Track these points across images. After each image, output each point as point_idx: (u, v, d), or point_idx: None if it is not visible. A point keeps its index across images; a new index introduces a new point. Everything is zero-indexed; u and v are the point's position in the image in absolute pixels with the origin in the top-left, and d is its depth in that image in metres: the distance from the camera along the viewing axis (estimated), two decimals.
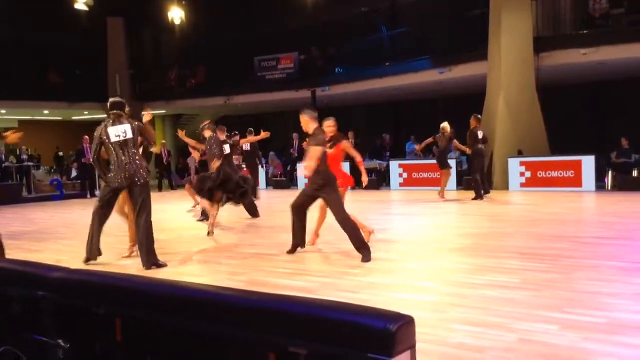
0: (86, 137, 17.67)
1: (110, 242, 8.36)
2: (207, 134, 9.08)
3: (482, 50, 15.41)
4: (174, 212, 12.69)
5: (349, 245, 7.20)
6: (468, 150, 12.79)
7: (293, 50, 21.42)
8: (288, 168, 20.11)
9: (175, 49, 25.16)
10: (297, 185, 18.67)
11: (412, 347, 1.10)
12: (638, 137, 14.57)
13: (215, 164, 8.70)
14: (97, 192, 18.37)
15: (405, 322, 1.10)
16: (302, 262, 6.26)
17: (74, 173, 20.64)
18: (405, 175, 16.61)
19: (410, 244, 7.23)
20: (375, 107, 23.37)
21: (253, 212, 10.64)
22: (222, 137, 10.64)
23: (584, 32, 14.97)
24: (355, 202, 14.02)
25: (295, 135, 19.69)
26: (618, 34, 14.05)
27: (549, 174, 14.07)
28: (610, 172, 14.19)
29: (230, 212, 11.80)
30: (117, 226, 7.98)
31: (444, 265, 5.87)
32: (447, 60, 16.77)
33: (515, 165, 14.45)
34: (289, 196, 15.82)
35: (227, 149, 10.05)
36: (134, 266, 6.35)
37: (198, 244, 8.15)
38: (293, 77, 21.24)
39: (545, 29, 15.49)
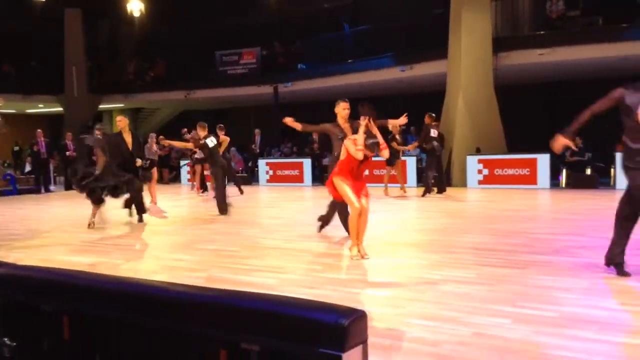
0: (39, 130, 17.19)
1: (65, 237, 8.17)
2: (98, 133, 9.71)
3: (443, 49, 15.61)
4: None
5: (309, 242, 7.23)
6: (409, 148, 13.32)
7: (255, 45, 21.30)
8: (249, 164, 19.99)
9: (134, 41, 24.68)
10: (258, 181, 18.59)
11: (364, 341, 1.10)
12: (591, 136, 15.01)
13: (100, 161, 9.08)
14: (52, 187, 17.94)
15: (358, 317, 1.10)
16: (262, 259, 6.24)
17: (28, 167, 20.08)
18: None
19: (369, 241, 7.26)
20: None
21: (138, 209, 9.72)
22: (203, 134, 10.68)
23: (541, 33, 15.32)
24: (314, 199, 14.06)
25: (257, 131, 19.58)
26: (573, 35, 14.42)
27: (505, 171, 14.36)
28: (564, 170, 14.58)
29: (189, 209, 11.68)
30: (75, 222, 7.81)
31: (402, 261, 5.93)
32: (408, 59, 16.94)
33: (473, 163, 14.71)
34: (251, 192, 15.83)
35: (214, 140, 10.43)
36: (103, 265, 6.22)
37: (156, 241, 8.04)
38: (255, 72, 21.12)
39: (504, 30, 15.79)
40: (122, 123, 9.58)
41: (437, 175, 12.98)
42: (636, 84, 4.68)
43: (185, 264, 6.09)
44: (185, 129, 15.60)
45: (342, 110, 7.13)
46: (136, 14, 20.10)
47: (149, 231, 8.78)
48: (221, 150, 11.45)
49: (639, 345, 3.29)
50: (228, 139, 12.31)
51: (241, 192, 14.43)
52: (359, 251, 6.04)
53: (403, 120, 7.63)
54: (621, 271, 4.92)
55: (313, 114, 23.35)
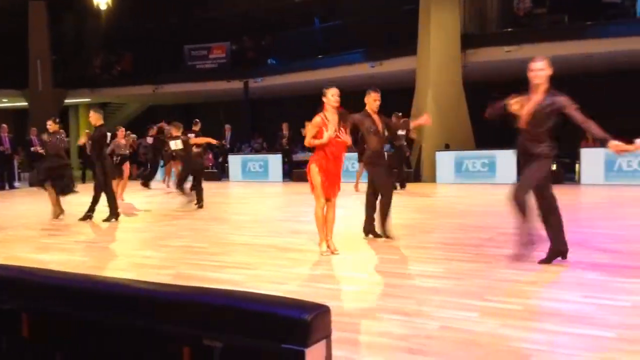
0: (4, 125, 16.75)
1: (29, 235, 7.99)
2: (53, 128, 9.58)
3: (412, 46, 15.71)
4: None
5: (278, 238, 7.21)
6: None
7: (225, 39, 21.11)
8: (220, 159, 19.82)
9: (101, 35, 24.20)
10: (228, 177, 18.47)
11: (327, 336, 1.10)
12: (557, 133, 15.30)
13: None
14: (16, 184, 17.51)
15: (321, 312, 1.09)
16: (230, 255, 6.19)
17: None
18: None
19: (339, 236, 7.28)
20: (309, 99, 23.37)
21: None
22: (177, 133, 10.64)
23: (509, 30, 15.54)
24: (284, 195, 14.05)
25: (227, 126, 19.42)
26: (540, 32, 14.67)
27: (474, 167, 14.55)
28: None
29: (158, 205, 11.54)
30: (40, 219, 7.64)
31: (372, 256, 5.96)
32: (378, 55, 17.00)
33: (442, 159, 14.86)
34: (221, 188, 15.72)
35: (178, 144, 10.34)
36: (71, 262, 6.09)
37: (123, 238, 7.92)
38: (225, 67, 20.94)
39: (472, 27, 15.97)
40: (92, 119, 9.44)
41: (397, 171, 13.08)
42: None
43: (152, 261, 6.01)
44: (157, 125, 15.28)
45: (372, 101, 6.58)
46: (102, 6, 19.70)
47: (117, 228, 8.64)
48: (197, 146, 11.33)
49: (600, 336, 3.36)
50: (204, 139, 12.02)
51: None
52: (328, 247, 5.98)
53: (426, 120, 7.51)
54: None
55: (282, 109, 23.39)
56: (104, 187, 8.96)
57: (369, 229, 6.87)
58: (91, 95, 23.28)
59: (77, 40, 25.53)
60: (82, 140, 15.29)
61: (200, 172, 10.93)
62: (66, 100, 23.82)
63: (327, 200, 5.89)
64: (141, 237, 7.77)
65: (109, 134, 10.01)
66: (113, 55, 23.56)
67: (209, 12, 22.33)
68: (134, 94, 23.05)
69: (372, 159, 6.71)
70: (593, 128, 4.94)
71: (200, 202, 10.60)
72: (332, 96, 5.80)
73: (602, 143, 4.96)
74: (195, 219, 9.37)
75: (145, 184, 15.00)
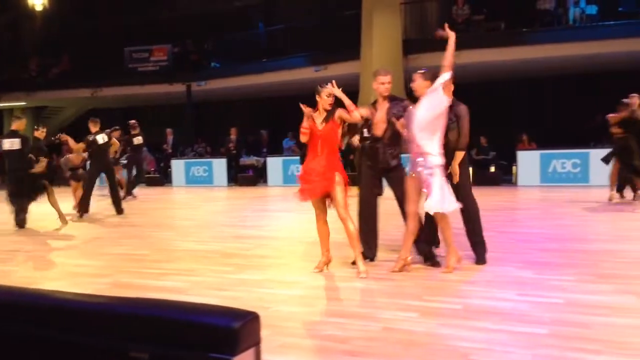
0: None
1: None
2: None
3: (356, 50, 15.88)
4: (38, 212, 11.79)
5: (223, 243, 7.12)
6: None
7: (166, 42, 20.76)
8: (162, 164, 19.46)
9: (37, 36, 23.36)
10: (171, 182, 18.16)
11: (256, 344, 1.08)
12: (495, 136, 15.77)
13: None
14: None
15: (250, 319, 1.08)
16: (172, 262, 6.07)
17: None
18: (282, 172, 16.72)
19: (284, 240, 7.29)
20: (254, 103, 23.29)
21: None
22: (96, 129, 10.36)
23: None
24: (229, 200, 13.92)
25: (169, 130, 19.04)
26: (478, 39, 15.10)
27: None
28: (470, 168, 15.24)
29: (97, 212, 11.21)
30: None
31: (315, 260, 5.96)
32: (322, 59, 17.09)
33: None
34: (163, 193, 15.43)
35: (105, 138, 10.27)
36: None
37: (58, 246, 7.64)
38: (167, 70, 20.58)
39: (414, 32, 16.28)
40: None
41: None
42: None
43: (89, 270, 5.82)
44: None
45: (379, 85, 5.52)
46: (38, 7, 19.04)
47: (50, 236, 8.34)
48: (112, 151, 11.21)
49: (535, 333, 3.47)
50: (118, 143, 11.84)
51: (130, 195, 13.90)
52: (325, 263, 5.37)
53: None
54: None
55: (228, 113, 23.19)
56: (11, 196, 8.76)
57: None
58: (27, 98, 22.40)
59: (12, 42, 24.53)
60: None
61: (112, 173, 10.63)
62: (0, 104, 22.86)
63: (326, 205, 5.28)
64: (76, 245, 7.51)
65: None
66: (50, 58, 22.75)
67: (150, 14, 21.90)
68: (71, 98, 22.33)
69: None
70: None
71: (118, 207, 10.39)
72: (327, 97, 5.19)
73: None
74: (135, 225, 9.15)
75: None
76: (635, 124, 9.48)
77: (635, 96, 9.57)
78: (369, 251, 5.65)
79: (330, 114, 5.20)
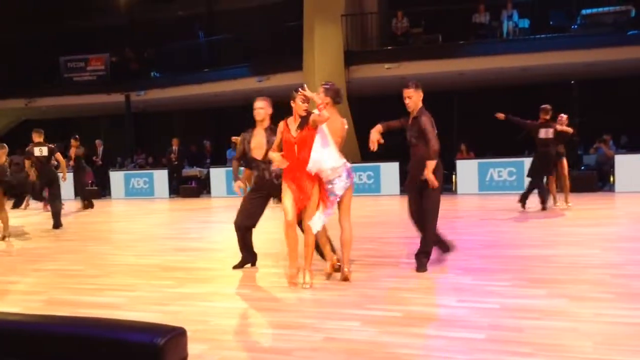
0: None
1: None
2: None
3: (298, 61, 15.95)
4: None
5: (163, 257, 6.96)
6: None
7: (104, 51, 20.25)
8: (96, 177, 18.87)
9: None
10: (110, 195, 17.67)
11: (183, 359, 1.06)
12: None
13: None
14: None
15: (175, 335, 1.05)
16: (110, 277, 5.89)
17: None
18: (226, 183, 16.54)
19: (227, 252, 7.18)
20: (197, 113, 22.98)
21: None
22: (39, 139, 10.06)
23: (388, 48, 16.23)
24: (170, 212, 13.66)
25: (98, 141, 18.39)
26: (416, 51, 15.47)
27: (360, 179, 14.98)
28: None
29: (30, 227, 10.79)
30: None
31: (257, 272, 5.92)
32: (265, 70, 17.08)
33: None
34: (101, 206, 14.97)
35: (44, 151, 10.08)
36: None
37: None
38: (104, 79, 20.06)
39: (355, 44, 16.52)
40: None
41: None
42: None
43: (21, 287, 5.57)
44: None
45: (257, 110, 5.88)
46: None
47: None
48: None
49: (472, 338, 3.55)
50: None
51: (90, 206, 13.73)
52: (304, 278, 5.05)
53: None
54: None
55: (170, 123, 22.78)
56: None
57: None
58: None
59: None
60: None
61: (56, 184, 10.28)
62: None
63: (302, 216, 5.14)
64: (9, 261, 7.19)
65: None
66: None
67: (85, 23, 21.32)
68: (4, 108, 21.43)
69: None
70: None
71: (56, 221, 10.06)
72: (302, 102, 5.10)
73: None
74: (71, 240, 8.84)
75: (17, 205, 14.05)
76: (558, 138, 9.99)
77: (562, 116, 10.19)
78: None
79: (304, 120, 5.11)
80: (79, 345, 1.08)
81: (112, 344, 1.06)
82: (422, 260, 5.53)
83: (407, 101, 5.63)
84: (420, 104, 5.60)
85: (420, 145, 5.46)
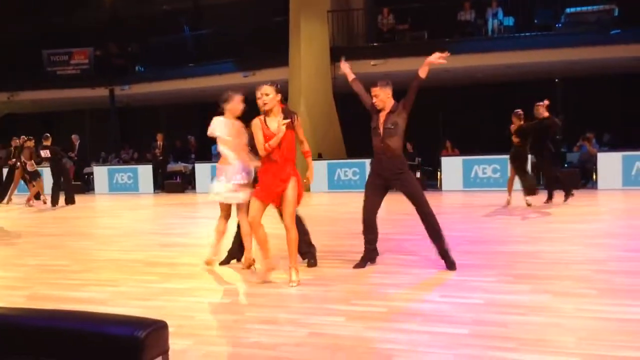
0: None
1: None
2: None
3: (285, 57, 15.91)
4: None
5: (147, 252, 6.91)
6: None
7: (88, 45, 20.04)
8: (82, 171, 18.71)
9: None
10: (94, 190, 17.51)
11: (164, 352, 1.05)
12: (420, 142, 16.20)
13: None
14: None
15: (156, 328, 1.04)
16: (93, 272, 5.84)
17: None
18: (211, 178, 16.49)
19: (207, 248, 7.15)
20: (182, 108, 22.84)
21: None
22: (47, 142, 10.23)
23: (374, 45, 16.24)
24: (154, 207, 13.57)
25: (74, 136, 18.16)
26: (403, 48, 15.50)
27: (346, 175, 15.00)
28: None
29: (12, 221, 10.67)
30: None
31: (240, 266, 5.90)
32: (251, 65, 17.03)
33: (316, 168, 15.06)
34: (85, 201, 14.82)
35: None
36: None
37: None
38: (88, 73, 19.87)
39: (341, 41, 16.51)
40: None
41: None
42: None
43: (3, 282, 5.50)
44: None
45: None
46: None
47: None
48: None
49: (456, 333, 3.56)
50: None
51: (70, 202, 13.71)
52: (290, 276, 4.98)
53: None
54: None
55: (155, 118, 22.61)
56: None
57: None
58: None
59: None
60: None
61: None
62: None
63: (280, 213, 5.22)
64: None
65: None
66: None
67: (68, 16, 21.08)
68: None
69: None
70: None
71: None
72: (259, 96, 5.07)
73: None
74: (54, 235, 8.75)
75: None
76: (534, 131, 9.98)
77: (540, 105, 10.06)
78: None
79: (285, 118, 5.05)
80: (60, 339, 1.07)
81: (93, 337, 1.04)
82: (448, 260, 5.38)
83: (374, 100, 5.62)
84: (391, 101, 5.60)
85: (395, 139, 5.47)
